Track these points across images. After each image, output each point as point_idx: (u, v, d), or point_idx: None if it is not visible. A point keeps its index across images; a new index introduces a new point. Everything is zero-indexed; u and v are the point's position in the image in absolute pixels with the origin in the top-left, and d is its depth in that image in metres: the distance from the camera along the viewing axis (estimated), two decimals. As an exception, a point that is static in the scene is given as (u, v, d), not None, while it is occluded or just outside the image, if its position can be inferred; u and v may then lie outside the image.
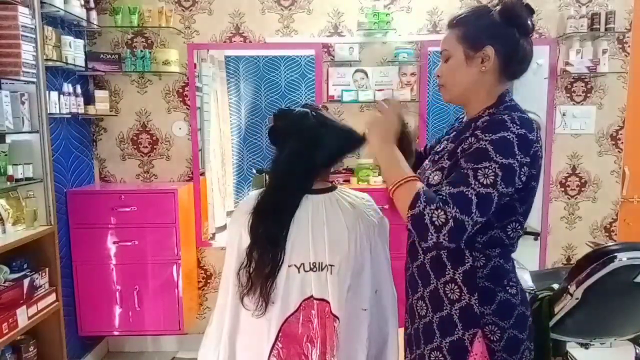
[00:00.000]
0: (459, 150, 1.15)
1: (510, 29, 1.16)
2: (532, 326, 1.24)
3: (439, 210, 1.02)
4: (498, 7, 1.17)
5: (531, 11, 1.19)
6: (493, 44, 1.15)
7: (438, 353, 1.20)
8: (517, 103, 1.20)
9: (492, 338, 1.15)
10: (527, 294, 1.28)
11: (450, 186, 1.06)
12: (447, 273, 1.19)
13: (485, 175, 1.05)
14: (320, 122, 1.31)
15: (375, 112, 1.25)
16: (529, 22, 1.18)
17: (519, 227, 1.18)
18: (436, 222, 1.02)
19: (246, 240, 1.32)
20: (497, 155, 1.05)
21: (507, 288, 1.18)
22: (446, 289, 1.19)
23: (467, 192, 1.04)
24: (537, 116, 1.22)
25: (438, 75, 1.26)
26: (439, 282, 1.20)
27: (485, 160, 1.05)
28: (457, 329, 1.17)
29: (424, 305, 1.24)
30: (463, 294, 1.17)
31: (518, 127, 1.08)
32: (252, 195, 1.39)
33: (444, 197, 1.04)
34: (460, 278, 1.17)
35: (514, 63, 1.19)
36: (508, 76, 1.22)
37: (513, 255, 1.24)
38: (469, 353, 1.16)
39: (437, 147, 1.32)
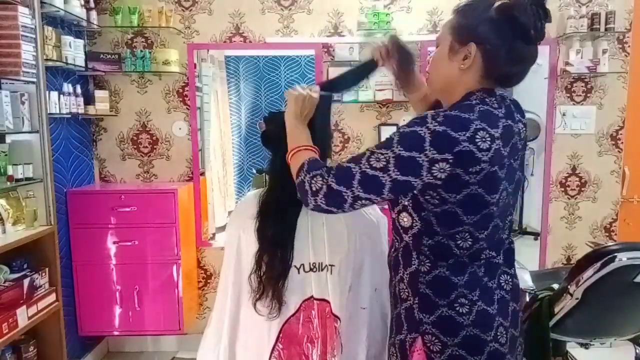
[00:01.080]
0: None
1: (506, 29, 1.05)
2: (499, 353, 1.11)
3: (317, 177, 1.09)
4: (497, 3, 1.06)
5: (544, 15, 1.04)
6: (479, 42, 1.06)
7: (393, 348, 1.21)
8: (482, 103, 1.08)
9: (432, 348, 1.11)
10: (526, 292, 1.26)
11: (346, 160, 1.10)
12: (399, 272, 1.19)
13: (377, 160, 1.05)
14: (311, 122, 1.31)
15: (300, 91, 1.27)
16: (535, 27, 1.04)
17: (470, 239, 1.09)
18: (313, 188, 1.09)
19: (245, 242, 1.33)
20: (399, 146, 1.03)
21: (455, 305, 1.09)
22: (398, 287, 1.19)
23: (353, 169, 1.07)
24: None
25: (428, 62, 1.25)
26: (394, 280, 1.21)
27: (385, 148, 1.05)
28: (403, 329, 1.17)
29: (391, 299, 1.26)
30: (409, 295, 1.15)
31: (437, 125, 1.01)
32: (250, 196, 1.40)
33: (330, 167, 1.11)
34: (407, 279, 1.16)
35: (502, 67, 1.08)
36: (496, 80, 1.11)
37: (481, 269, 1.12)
38: (408, 356, 1.15)
39: None
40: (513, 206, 1.18)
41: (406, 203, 1.12)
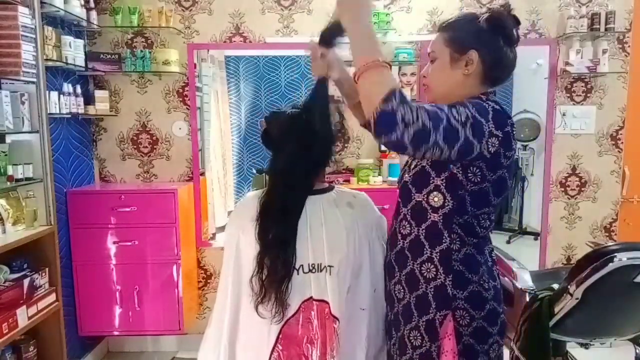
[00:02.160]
0: None
1: (496, 36, 1.20)
2: (505, 324, 1.28)
3: (413, 110, 1.01)
4: (485, 15, 1.21)
5: (517, 22, 1.22)
6: (478, 49, 1.19)
7: (416, 332, 1.23)
8: (495, 104, 1.20)
9: (461, 322, 1.20)
10: (526, 292, 1.28)
11: (426, 107, 1.05)
12: (424, 253, 1.22)
13: (459, 113, 1.07)
14: (313, 122, 1.31)
15: None
16: (515, 32, 1.21)
17: (488, 220, 1.22)
18: (406, 119, 1.00)
19: (244, 243, 1.32)
20: (473, 108, 1.10)
21: (481, 281, 1.21)
22: (422, 268, 1.22)
23: (441, 114, 1.05)
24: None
25: (424, 76, 1.29)
26: (415, 263, 1.23)
27: (462, 106, 1.09)
28: (431, 308, 1.21)
29: (401, 288, 1.27)
30: (439, 273, 1.20)
31: (494, 104, 1.15)
32: (250, 197, 1.39)
33: (419, 105, 1.04)
34: (437, 257, 1.20)
35: (497, 70, 1.22)
36: (490, 82, 1.24)
37: (489, 250, 1.28)
38: (439, 334, 1.20)
39: None
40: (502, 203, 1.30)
41: (439, 182, 1.18)
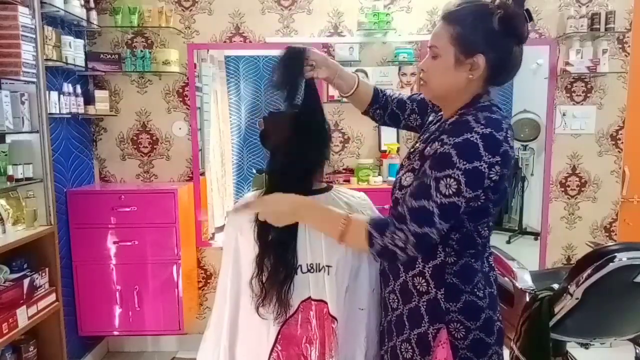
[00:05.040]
0: (426, 153, 1.15)
1: (507, 38, 1.11)
2: (502, 332, 1.23)
3: (396, 233, 1.05)
4: (499, 13, 1.09)
5: (530, 18, 1.13)
6: (486, 52, 1.10)
7: (407, 345, 1.21)
8: (493, 103, 1.16)
9: (456, 335, 1.15)
10: (526, 292, 1.27)
11: (412, 198, 1.07)
12: (416, 267, 1.19)
13: (448, 186, 1.03)
14: (311, 122, 1.31)
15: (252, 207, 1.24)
16: (526, 31, 1.13)
17: (487, 228, 1.18)
18: (399, 244, 1.05)
19: (243, 243, 1.32)
20: (461, 160, 1.03)
21: (475, 290, 1.17)
22: (414, 281, 1.19)
23: (428, 207, 1.04)
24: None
25: (422, 70, 1.20)
26: (407, 275, 1.21)
27: (448, 168, 1.03)
28: (423, 322, 1.18)
29: (395, 298, 1.25)
30: (430, 288, 1.17)
31: (483, 127, 1.05)
32: (248, 197, 1.39)
33: (401, 214, 1.06)
34: (429, 272, 1.17)
35: (504, 73, 1.16)
36: (494, 84, 1.18)
37: (485, 255, 1.24)
38: (431, 348, 1.17)
39: (412, 147, 1.31)
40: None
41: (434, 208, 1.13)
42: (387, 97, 1.47)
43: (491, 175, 1.05)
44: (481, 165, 1.03)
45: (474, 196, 1.06)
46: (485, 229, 1.17)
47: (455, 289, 1.16)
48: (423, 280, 1.18)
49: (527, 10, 1.12)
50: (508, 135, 1.08)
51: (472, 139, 1.03)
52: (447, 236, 1.13)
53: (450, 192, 1.03)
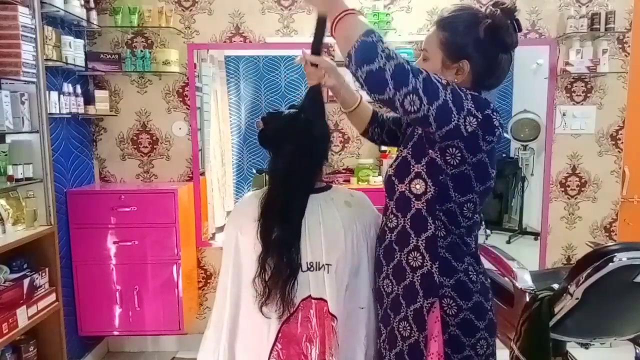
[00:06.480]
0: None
1: (493, 47, 1.18)
2: (494, 323, 1.26)
3: (392, 49, 1.05)
4: (486, 23, 1.16)
5: (519, 28, 1.19)
6: (471, 59, 1.18)
7: (405, 323, 1.23)
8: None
9: (448, 312, 1.19)
10: (526, 292, 1.27)
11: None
12: (410, 242, 1.22)
13: (440, 78, 1.10)
14: (310, 122, 1.31)
15: None
16: (514, 39, 1.18)
17: (474, 209, 1.21)
18: (386, 52, 1.04)
19: (243, 243, 1.32)
20: (449, 87, 1.10)
21: (468, 272, 1.22)
22: (409, 257, 1.23)
23: (421, 69, 1.08)
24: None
25: None
26: (402, 253, 1.24)
27: (443, 79, 1.12)
28: (418, 297, 1.21)
29: (389, 282, 1.27)
30: (425, 261, 1.21)
31: (472, 90, 1.15)
32: (248, 197, 1.39)
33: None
34: (423, 245, 1.21)
35: (489, 78, 1.22)
36: (482, 88, 1.24)
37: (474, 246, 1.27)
38: (426, 322, 1.20)
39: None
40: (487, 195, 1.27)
41: (419, 169, 1.19)
42: (384, 116, 1.57)
43: (467, 120, 1.09)
44: (464, 100, 1.10)
45: (450, 108, 1.07)
46: (469, 210, 1.20)
47: (449, 264, 1.20)
48: (418, 254, 1.21)
49: (517, 20, 1.18)
50: (494, 113, 1.14)
51: (459, 91, 1.11)
52: (433, 207, 1.19)
53: (441, 80, 1.09)
